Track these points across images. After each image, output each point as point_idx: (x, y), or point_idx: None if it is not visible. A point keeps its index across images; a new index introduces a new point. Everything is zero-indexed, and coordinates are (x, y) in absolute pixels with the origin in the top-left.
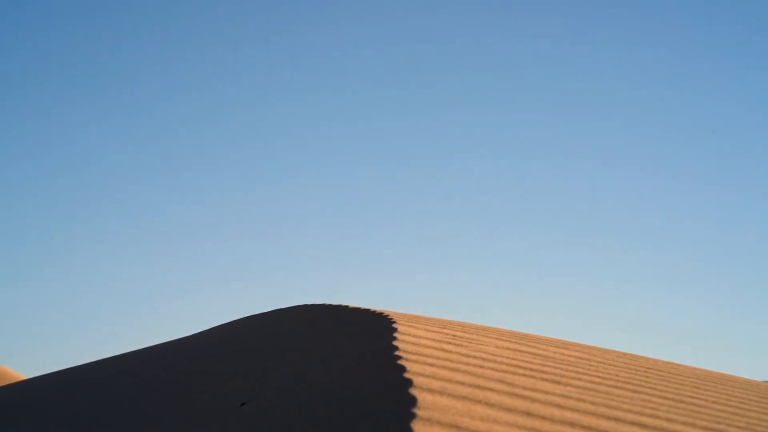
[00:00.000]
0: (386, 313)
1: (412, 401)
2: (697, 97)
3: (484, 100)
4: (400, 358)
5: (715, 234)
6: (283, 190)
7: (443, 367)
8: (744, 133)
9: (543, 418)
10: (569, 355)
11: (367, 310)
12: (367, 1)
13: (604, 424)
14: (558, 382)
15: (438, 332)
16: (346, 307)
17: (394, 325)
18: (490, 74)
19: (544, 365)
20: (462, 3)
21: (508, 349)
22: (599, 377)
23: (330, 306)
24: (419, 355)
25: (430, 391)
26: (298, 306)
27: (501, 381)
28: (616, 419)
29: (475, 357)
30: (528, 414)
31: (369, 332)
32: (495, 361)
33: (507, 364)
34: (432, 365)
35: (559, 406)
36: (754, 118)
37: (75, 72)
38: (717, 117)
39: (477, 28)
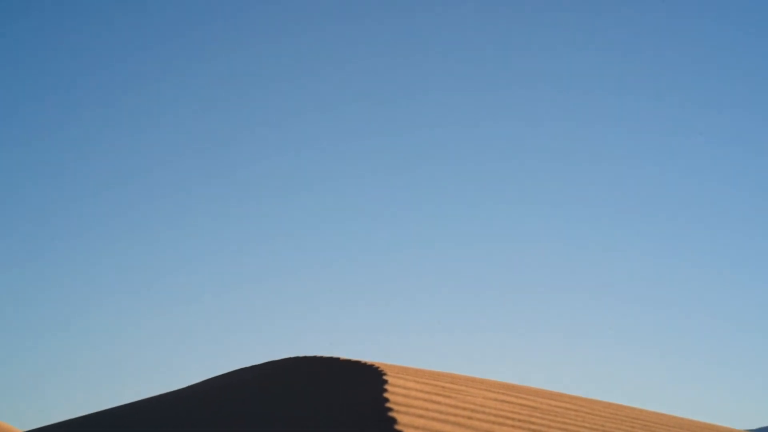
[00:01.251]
0: (377, 365)
1: None
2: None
3: (482, 147)
4: (390, 409)
5: (701, 283)
6: (275, 239)
7: (433, 419)
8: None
9: None
10: (556, 406)
11: (358, 362)
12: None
13: None
14: None
15: (428, 384)
16: (338, 359)
17: (385, 377)
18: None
19: (531, 416)
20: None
21: (496, 400)
22: (586, 428)
23: (322, 358)
24: (409, 406)
25: None
26: (291, 358)
27: None
28: None
29: (464, 408)
30: None
31: (360, 384)
32: (483, 413)
33: (495, 415)
34: (422, 416)
35: None
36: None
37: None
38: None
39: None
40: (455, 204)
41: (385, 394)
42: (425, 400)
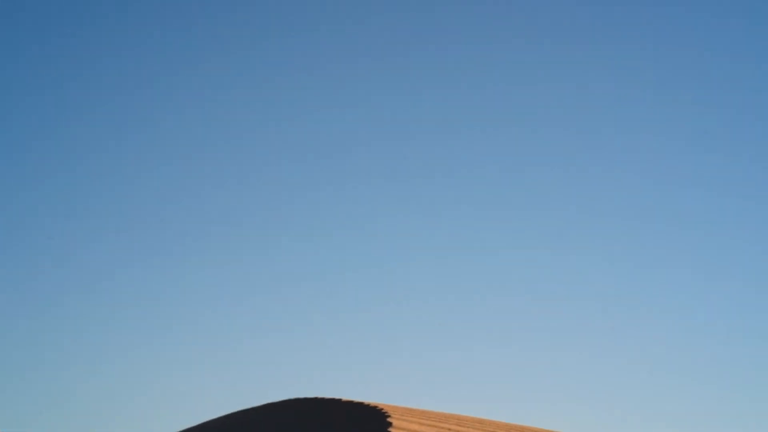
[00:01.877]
0: (381, 406)
1: None
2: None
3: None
4: None
5: (700, 313)
6: (275, 277)
7: None
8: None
9: None
10: None
11: (360, 404)
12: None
13: None
14: None
15: (433, 426)
16: (339, 400)
17: (389, 420)
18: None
19: None
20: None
21: None
22: None
23: (323, 400)
24: None
25: None
26: (290, 400)
27: None
28: None
29: None
30: None
31: (363, 427)
32: None
33: None
34: None
35: None
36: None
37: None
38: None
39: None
40: (462, 244)
41: None
42: None
